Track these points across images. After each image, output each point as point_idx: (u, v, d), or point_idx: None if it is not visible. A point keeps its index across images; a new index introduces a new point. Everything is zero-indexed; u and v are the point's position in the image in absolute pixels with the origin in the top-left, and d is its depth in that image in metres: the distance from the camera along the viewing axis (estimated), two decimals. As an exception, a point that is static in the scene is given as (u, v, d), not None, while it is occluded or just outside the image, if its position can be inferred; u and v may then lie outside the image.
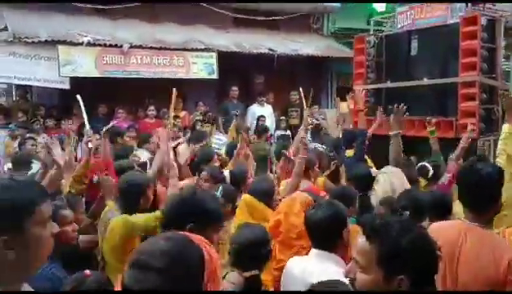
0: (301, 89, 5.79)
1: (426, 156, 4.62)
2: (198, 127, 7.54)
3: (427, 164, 4.30)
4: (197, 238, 1.27)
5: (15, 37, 7.28)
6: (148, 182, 3.10)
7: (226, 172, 3.90)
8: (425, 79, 6.12)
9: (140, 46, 8.03)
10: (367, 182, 3.69)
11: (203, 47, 8.49)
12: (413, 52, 6.45)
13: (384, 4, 7.53)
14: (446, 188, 3.73)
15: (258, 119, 8.39)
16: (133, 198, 2.94)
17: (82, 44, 7.62)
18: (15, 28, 7.43)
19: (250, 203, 3.10)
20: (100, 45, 7.78)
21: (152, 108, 7.67)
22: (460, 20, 5.72)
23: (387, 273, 1.33)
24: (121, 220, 2.79)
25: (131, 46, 7.91)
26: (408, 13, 6.82)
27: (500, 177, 2.08)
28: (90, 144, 3.63)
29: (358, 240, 1.41)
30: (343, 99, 10.95)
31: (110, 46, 7.82)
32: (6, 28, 7.39)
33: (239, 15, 9.46)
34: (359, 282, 1.37)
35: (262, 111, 8.68)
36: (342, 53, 10.15)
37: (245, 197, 3.17)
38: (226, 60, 8.63)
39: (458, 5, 6.12)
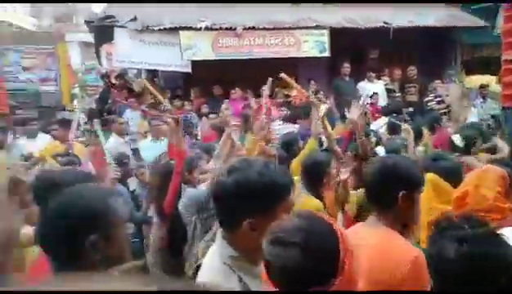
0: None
1: None
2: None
3: None
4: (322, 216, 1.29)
5: (143, 26, 8.07)
6: (330, 161, 3.14)
7: (380, 148, 3.90)
8: None
9: (253, 28, 8.31)
10: None
11: (314, 25, 8.45)
12: None
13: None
14: None
15: (371, 97, 8.14)
16: (317, 176, 3.05)
17: (200, 29, 8.16)
18: (143, 17, 8.23)
19: (435, 182, 2.90)
20: (216, 29, 8.23)
21: (264, 88, 7.89)
22: None
23: None
24: (318, 203, 2.95)
25: (244, 28, 8.23)
26: None
27: None
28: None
29: None
30: (471, 72, 9.99)
31: (226, 29, 8.22)
32: (135, 19, 8.22)
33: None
34: None
35: (374, 88, 8.38)
36: (466, 22, 9.23)
37: (430, 175, 2.95)
38: (339, 36, 8.47)
39: None
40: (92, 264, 1.21)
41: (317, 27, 8.43)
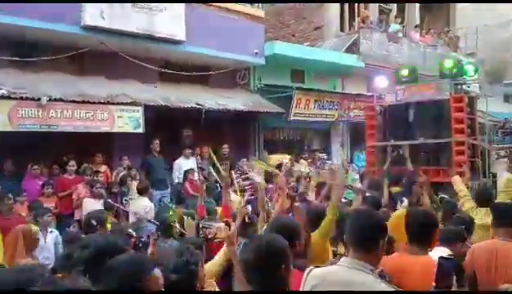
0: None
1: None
2: (128, 183, 7.34)
3: None
4: None
5: None
6: None
7: None
8: (421, 139, 8.01)
9: (60, 100, 7.65)
10: None
11: (129, 101, 8.31)
12: (410, 119, 8.40)
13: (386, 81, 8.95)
14: None
15: (186, 171, 8.29)
16: None
17: (-4, 97, 7.11)
18: None
19: None
20: (15, 98, 7.29)
21: (72, 163, 7.25)
22: (451, 98, 7.92)
23: None
24: None
25: (50, 100, 7.51)
26: (405, 92, 8.76)
27: None
28: None
29: None
30: (272, 151, 11.17)
31: (27, 99, 7.36)
32: None
33: (166, 70, 9.46)
34: None
35: (189, 164, 8.60)
36: (268, 108, 10.47)
37: None
38: (154, 114, 8.52)
39: (444, 86, 8.39)
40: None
41: (132, 103, 8.30)
